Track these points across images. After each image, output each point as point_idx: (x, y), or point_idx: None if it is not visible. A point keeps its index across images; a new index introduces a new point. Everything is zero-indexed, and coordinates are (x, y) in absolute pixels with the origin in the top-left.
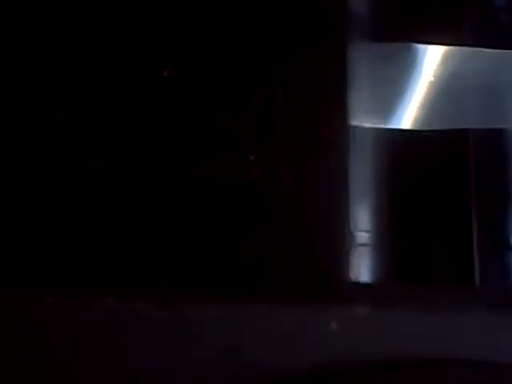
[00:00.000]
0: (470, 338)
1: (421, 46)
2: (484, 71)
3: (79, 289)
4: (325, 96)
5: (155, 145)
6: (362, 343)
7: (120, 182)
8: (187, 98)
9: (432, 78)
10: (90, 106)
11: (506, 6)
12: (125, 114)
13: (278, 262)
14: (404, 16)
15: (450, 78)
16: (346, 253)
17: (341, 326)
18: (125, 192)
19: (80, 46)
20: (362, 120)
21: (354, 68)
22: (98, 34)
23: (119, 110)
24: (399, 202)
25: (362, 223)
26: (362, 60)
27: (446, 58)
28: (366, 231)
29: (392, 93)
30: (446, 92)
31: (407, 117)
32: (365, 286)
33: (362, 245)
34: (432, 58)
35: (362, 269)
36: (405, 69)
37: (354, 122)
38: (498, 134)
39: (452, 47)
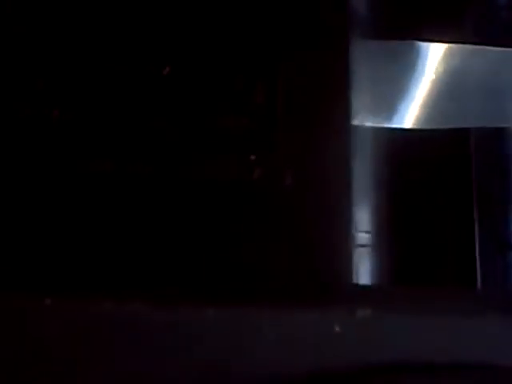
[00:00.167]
0: (473, 340)
1: (422, 44)
2: (486, 69)
3: (77, 291)
4: (326, 95)
5: (155, 144)
6: (362, 346)
7: (120, 183)
8: (187, 97)
9: (434, 76)
10: (89, 106)
11: (507, 4)
12: (124, 113)
13: (278, 262)
14: (405, 14)
15: (451, 77)
16: (348, 254)
17: (341, 328)
18: (124, 192)
19: (79, 46)
20: (364, 119)
21: (356, 67)
22: (98, 33)
23: (119, 109)
24: (400, 202)
25: (363, 224)
26: (364, 58)
27: (447, 56)
28: (367, 232)
29: (394, 92)
30: (447, 90)
31: (409, 116)
32: (366, 287)
33: (362, 246)
34: (434, 56)
35: (362, 270)
36: (406, 67)
37: (355, 122)
38: (500, 133)
39: (454, 45)
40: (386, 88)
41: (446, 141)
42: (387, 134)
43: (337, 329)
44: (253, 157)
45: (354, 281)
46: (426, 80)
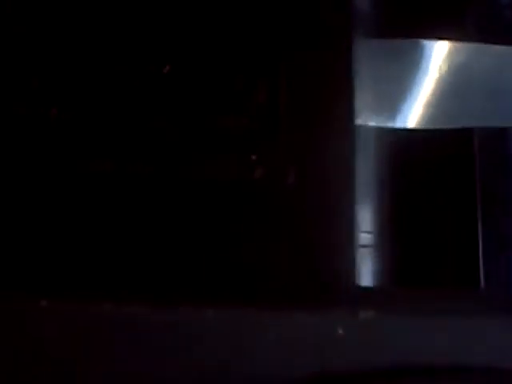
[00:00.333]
0: (473, 341)
1: (426, 43)
2: (490, 68)
3: (76, 292)
4: (328, 94)
5: (155, 144)
6: (364, 347)
7: (120, 182)
8: (188, 96)
9: (437, 75)
10: (88, 105)
11: (510, 3)
12: (124, 112)
13: (279, 262)
14: (409, 12)
15: (455, 75)
16: (350, 254)
17: (343, 330)
18: (125, 192)
19: (79, 44)
20: (367, 119)
21: (358, 65)
22: (97, 32)
23: (118, 108)
24: (403, 202)
25: (365, 224)
26: (367, 57)
27: (451, 55)
28: (369, 232)
29: (397, 91)
30: (451, 89)
31: (412, 115)
32: (368, 289)
33: (364, 246)
34: (437, 55)
35: (365, 270)
36: (410, 66)
37: (358, 121)
38: (504, 132)
39: (458, 44)
40: (388, 87)
41: (450, 141)
42: (390, 134)
43: (339, 331)
44: (254, 156)
45: (356, 281)
46: (430, 79)
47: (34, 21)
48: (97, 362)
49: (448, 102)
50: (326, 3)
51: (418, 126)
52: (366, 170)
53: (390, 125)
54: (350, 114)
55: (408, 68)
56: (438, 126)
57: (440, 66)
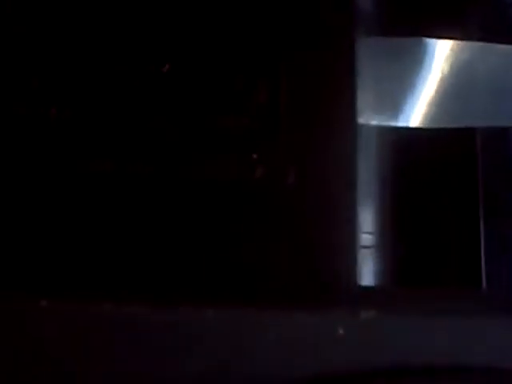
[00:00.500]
0: (477, 342)
1: (429, 41)
2: (493, 67)
3: (76, 292)
4: (331, 93)
5: (155, 144)
6: (364, 347)
7: (120, 182)
8: (188, 96)
9: (440, 74)
10: (88, 105)
11: None
12: (124, 112)
13: (280, 262)
14: (411, 10)
15: (458, 74)
16: (351, 254)
17: (344, 330)
18: (125, 192)
19: (78, 44)
20: (369, 118)
21: (361, 64)
22: (97, 32)
23: (118, 108)
24: (404, 202)
25: (366, 225)
26: (369, 56)
27: (454, 54)
28: (370, 233)
29: (399, 90)
30: (454, 88)
31: (415, 114)
32: (369, 289)
33: (366, 247)
34: (440, 54)
35: (366, 271)
36: (412, 65)
37: (360, 120)
38: (507, 132)
39: (461, 42)
40: (391, 86)
41: (452, 140)
42: (392, 133)
43: (339, 331)
44: (255, 156)
45: (358, 282)
46: (432, 78)
47: (34, 21)
48: (97, 361)
49: (451, 101)
50: (326, 2)
51: (421, 126)
52: (367, 170)
53: (392, 124)
54: (351, 113)
55: (410, 67)
56: (440, 126)
57: (443, 65)
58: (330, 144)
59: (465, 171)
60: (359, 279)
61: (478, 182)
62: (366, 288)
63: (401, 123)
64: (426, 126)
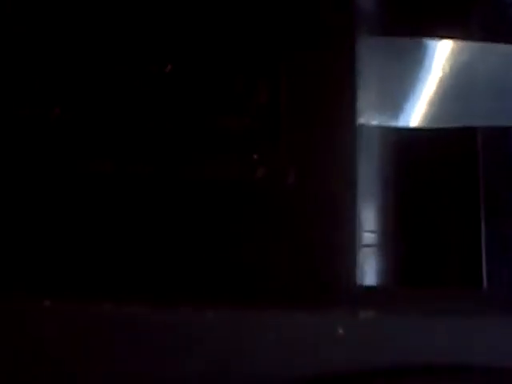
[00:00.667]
0: (477, 342)
1: (430, 42)
2: (494, 67)
3: (76, 292)
4: (330, 94)
5: (156, 144)
6: (364, 348)
7: (120, 183)
8: (189, 97)
9: (441, 74)
10: (89, 105)
11: None
12: (125, 112)
13: (281, 262)
14: (412, 11)
15: (459, 74)
16: (352, 254)
17: (343, 330)
18: (125, 192)
19: (80, 44)
20: (370, 118)
21: (361, 64)
22: (98, 32)
23: (119, 108)
24: (406, 202)
25: (369, 223)
26: (370, 56)
27: (455, 54)
28: (372, 231)
29: (400, 90)
30: (454, 88)
31: (415, 114)
32: (370, 288)
33: (368, 246)
34: (441, 54)
35: (368, 270)
36: (413, 65)
37: (361, 120)
38: (508, 131)
39: (461, 42)
40: (392, 86)
41: (453, 140)
42: (394, 133)
43: (339, 331)
44: (256, 156)
45: (359, 281)
46: (433, 78)
47: (34, 21)
48: (97, 361)
49: (451, 101)
50: (326, 2)
51: (421, 126)
52: (369, 169)
53: (392, 124)
54: (351, 113)
55: (411, 67)
56: (441, 126)
57: (444, 66)
58: (330, 144)
59: (466, 171)
60: (360, 278)
61: (479, 181)
62: (366, 288)
63: (401, 123)
64: (427, 126)
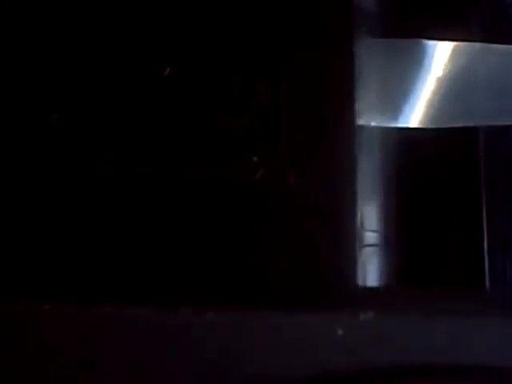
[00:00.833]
0: (477, 342)
1: (429, 43)
2: (494, 67)
3: (77, 295)
4: (331, 94)
5: (156, 145)
6: (364, 348)
7: (120, 184)
8: (189, 97)
9: (440, 75)
10: (89, 106)
11: None
12: (125, 113)
13: (281, 264)
14: (412, 12)
15: (459, 75)
16: (352, 255)
17: (344, 331)
18: (125, 193)
19: (79, 46)
20: (369, 119)
21: (361, 65)
22: (98, 34)
23: (119, 109)
24: (407, 202)
25: (370, 223)
26: (369, 57)
27: (454, 55)
28: (374, 231)
29: (400, 90)
30: (454, 89)
31: (415, 115)
32: (370, 289)
33: (370, 245)
34: (441, 55)
35: (370, 269)
36: (413, 66)
37: (360, 121)
38: (508, 131)
39: (461, 43)
40: (392, 87)
41: (454, 140)
42: (395, 133)
43: (339, 331)
44: (255, 158)
45: (361, 281)
46: (433, 79)
47: (34, 21)
48: (98, 363)
49: (451, 101)
50: (326, 2)
51: (421, 126)
52: (370, 170)
53: (393, 125)
54: (351, 114)
55: (411, 68)
56: (441, 126)
57: (444, 66)
58: (330, 145)
59: (467, 170)
60: (363, 278)
61: (480, 181)
62: (366, 288)
63: (401, 124)
64: (427, 126)
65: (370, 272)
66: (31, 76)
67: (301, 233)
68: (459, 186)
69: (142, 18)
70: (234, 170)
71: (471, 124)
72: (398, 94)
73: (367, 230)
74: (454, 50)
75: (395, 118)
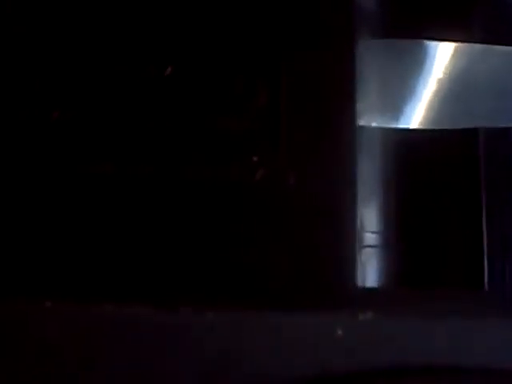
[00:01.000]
0: (477, 342)
1: (430, 44)
2: (495, 69)
3: (77, 294)
4: (331, 95)
5: (156, 146)
6: (363, 348)
7: (120, 184)
8: (189, 98)
9: (441, 76)
10: (89, 107)
11: None
12: (125, 114)
13: (281, 264)
14: (413, 12)
15: (459, 76)
16: (352, 256)
17: (343, 331)
18: (125, 194)
19: (80, 46)
20: (370, 120)
21: (362, 66)
22: (98, 34)
23: (119, 110)
24: (407, 203)
25: (370, 224)
26: (370, 58)
27: (455, 56)
28: (374, 232)
29: (400, 91)
30: (455, 90)
31: (416, 116)
32: (370, 290)
33: (370, 246)
34: (442, 56)
35: (370, 270)
36: (414, 67)
37: (361, 122)
38: (509, 132)
39: (462, 44)
40: (392, 87)
41: (455, 141)
42: (395, 134)
43: (338, 332)
44: (255, 158)
45: (360, 281)
46: (434, 80)
47: (34, 21)
48: (98, 363)
49: (452, 102)
50: (326, 2)
51: (422, 127)
52: (370, 171)
53: (393, 125)
54: (352, 115)
55: (412, 69)
56: (441, 127)
57: (444, 67)
58: (330, 146)
59: (467, 171)
60: (362, 279)
61: (480, 181)
62: (365, 289)
63: (402, 125)
64: (428, 127)
65: (370, 273)
66: (31, 76)
67: (301, 233)
68: (459, 186)
69: (142, 18)
70: (233, 170)
71: (472, 125)
72: (398, 95)
73: (367, 231)
74: (455, 51)
75: (396, 118)
